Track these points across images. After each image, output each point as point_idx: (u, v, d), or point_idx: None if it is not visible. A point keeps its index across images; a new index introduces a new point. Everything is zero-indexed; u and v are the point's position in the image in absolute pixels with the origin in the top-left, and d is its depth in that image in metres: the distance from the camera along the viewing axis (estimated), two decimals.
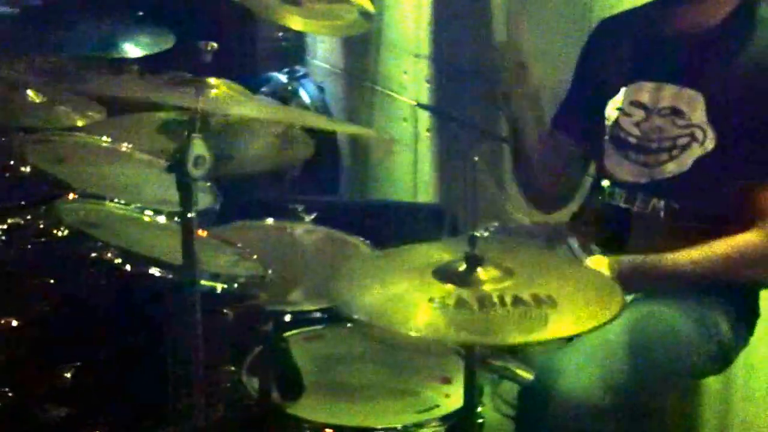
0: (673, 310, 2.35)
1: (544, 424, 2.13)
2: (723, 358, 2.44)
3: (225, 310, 2.21)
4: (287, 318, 2.61)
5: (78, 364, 2.20)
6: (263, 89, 4.38)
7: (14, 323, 2.30)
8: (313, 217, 3.11)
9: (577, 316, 1.83)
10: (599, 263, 2.35)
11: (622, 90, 2.50)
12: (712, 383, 2.86)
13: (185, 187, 1.88)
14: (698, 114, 2.36)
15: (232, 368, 2.32)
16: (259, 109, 1.98)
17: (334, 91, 4.63)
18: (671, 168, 2.40)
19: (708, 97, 2.35)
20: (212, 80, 1.99)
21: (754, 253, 2.30)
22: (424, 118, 4.02)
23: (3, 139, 2.54)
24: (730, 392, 2.88)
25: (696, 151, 2.36)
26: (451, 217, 3.25)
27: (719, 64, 2.37)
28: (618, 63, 2.55)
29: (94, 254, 2.19)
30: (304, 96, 4.46)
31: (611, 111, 2.52)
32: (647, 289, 2.35)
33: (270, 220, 3.04)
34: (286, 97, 4.29)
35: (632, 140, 2.47)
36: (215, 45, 1.91)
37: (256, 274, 2.35)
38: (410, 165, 4.07)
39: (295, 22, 3.22)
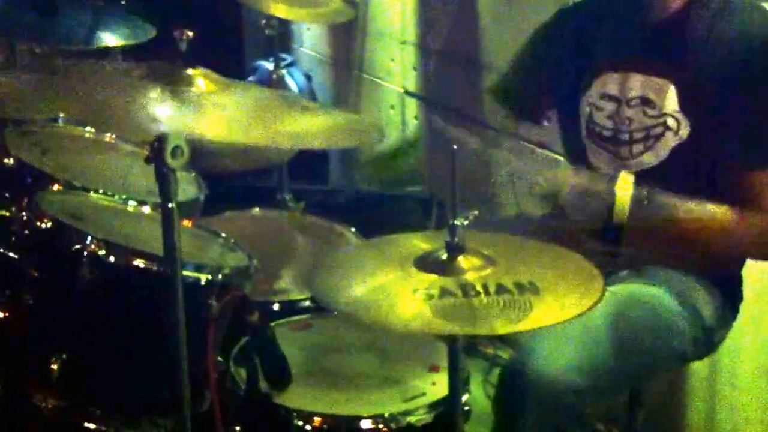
0: (657, 294, 2.35)
1: (523, 406, 2.12)
2: (707, 342, 2.44)
3: (210, 301, 2.19)
4: (275, 307, 2.62)
5: (64, 356, 2.18)
6: (250, 78, 4.37)
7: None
8: (301, 205, 3.12)
9: (561, 302, 1.83)
10: (626, 181, 2.26)
11: (593, 83, 2.48)
12: (698, 368, 2.87)
13: (164, 178, 1.87)
14: (669, 103, 2.34)
15: (220, 358, 2.31)
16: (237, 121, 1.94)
17: (321, 79, 4.62)
18: (649, 158, 2.38)
19: (678, 85, 2.34)
20: (189, 71, 1.97)
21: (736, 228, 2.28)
22: (412, 105, 4.02)
23: None
24: (717, 378, 2.89)
25: (671, 140, 2.35)
26: (439, 206, 3.25)
27: (687, 50, 2.34)
28: (583, 54, 2.52)
29: (77, 246, 2.17)
30: (292, 84, 4.45)
31: (584, 106, 2.50)
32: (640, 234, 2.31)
33: (257, 210, 3.04)
34: (273, 85, 4.27)
35: (607, 133, 2.45)
36: (190, 33, 1.89)
37: (241, 265, 2.36)
38: (398, 153, 4.07)
39: (279, 9, 3.24)
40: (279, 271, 2.76)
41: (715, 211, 2.25)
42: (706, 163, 2.31)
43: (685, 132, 2.33)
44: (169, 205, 1.89)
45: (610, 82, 2.44)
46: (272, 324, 2.42)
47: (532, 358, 2.14)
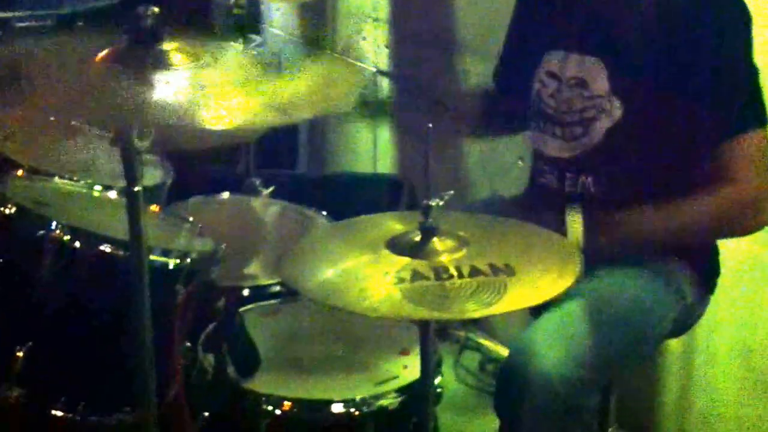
0: (639, 277, 2.31)
1: (523, 404, 2.09)
2: (686, 320, 2.42)
3: (177, 287, 2.15)
4: (245, 293, 2.57)
5: (30, 344, 2.13)
6: None
7: None
8: (270, 190, 3.06)
9: (536, 284, 1.80)
10: (574, 222, 2.27)
11: (542, 60, 2.42)
12: (673, 346, 2.85)
13: (130, 160, 1.82)
14: (600, 84, 2.30)
15: (188, 344, 2.27)
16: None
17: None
18: (585, 141, 2.34)
19: (609, 66, 2.29)
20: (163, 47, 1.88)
21: (729, 211, 2.25)
22: (385, 85, 3.97)
23: None
24: (693, 355, 2.87)
25: (605, 123, 2.31)
26: (410, 188, 3.21)
27: (618, 29, 2.29)
28: (537, 28, 2.47)
29: (41, 232, 2.12)
30: None
31: (534, 82, 2.45)
32: (615, 250, 2.29)
33: (226, 194, 2.98)
34: None
35: (550, 112, 2.40)
36: (156, 9, 1.83)
37: (208, 250, 2.32)
38: (369, 134, 4.03)
39: None
40: (248, 257, 2.71)
41: (684, 207, 2.23)
42: (647, 143, 2.27)
43: (618, 113, 2.28)
44: (135, 189, 1.84)
45: (553, 60, 2.39)
46: (241, 310, 2.41)
47: (528, 354, 2.10)
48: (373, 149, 4.02)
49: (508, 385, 2.15)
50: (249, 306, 2.49)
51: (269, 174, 3.23)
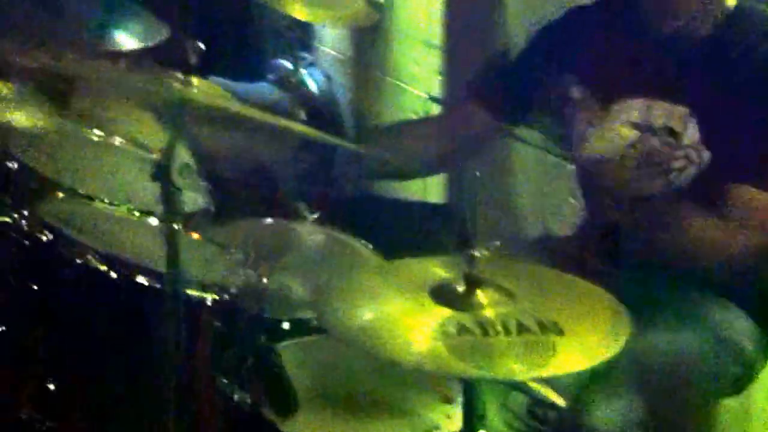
0: (694, 334, 2.23)
1: None
2: (747, 378, 2.34)
3: (214, 322, 2.10)
4: (285, 326, 2.51)
5: (60, 375, 2.10)
6: (269, 76, 4.26)
7: None
8: (315, 216, 2.99)
9: (585, 345, 1.72)
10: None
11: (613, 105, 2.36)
12: (730, 406, 2.74)
13: (170, 197, 1.77)
14: (691, 133, 2.23)
15: (224, 380, 2.21)
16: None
17: (341, 80, 4.51)
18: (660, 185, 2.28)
19: (699, 115, 2.23)
20: (195, 80, 1.86)
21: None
22: (436, 112, 3.91)
23: None
24: (750, 416, 2.75)
25: (691, 171, 2.23)
26: (461, 218, 3.12)
27: (712, 76, 2.23)
28: (602, 74, 2.40)
29: (79, 260, 2.08)
30: (311, 84, 4.34)
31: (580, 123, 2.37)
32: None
33: (269, 220, 2.92)
34: (291, 85, 4.17)
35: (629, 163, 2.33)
36: (202, 46, 1.79)
37: (250, 283, 2.26)
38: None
39: (299, 11, 3.13)
40: (290, 287, 2.64)
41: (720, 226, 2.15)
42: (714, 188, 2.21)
43: (704, 162, 2.22)
44: (174, 226, 1.79)
45: (634, 109, 2.31)
46: (281, 344, 2.34)
47: (582, 410, 2.07)
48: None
49: None
50: (289, 340, 2.42)
51: (315, 195, 3.16)
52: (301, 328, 2.48)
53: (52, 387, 2.11)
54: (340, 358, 2.37)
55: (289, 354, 2.30)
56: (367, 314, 1.86)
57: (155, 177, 1.79)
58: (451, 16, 3.86)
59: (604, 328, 1.77)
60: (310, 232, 2.91)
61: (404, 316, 1.81)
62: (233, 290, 2.18)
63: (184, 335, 1.88)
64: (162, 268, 1.93)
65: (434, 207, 3.67)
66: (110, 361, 2.12)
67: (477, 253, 1.80)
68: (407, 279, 1.91)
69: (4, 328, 2.19)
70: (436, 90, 3.89)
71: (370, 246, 2.80)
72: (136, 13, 2.96)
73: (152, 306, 2.05)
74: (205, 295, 2.13)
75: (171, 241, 1.80)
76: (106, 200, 2.39)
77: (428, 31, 3.93)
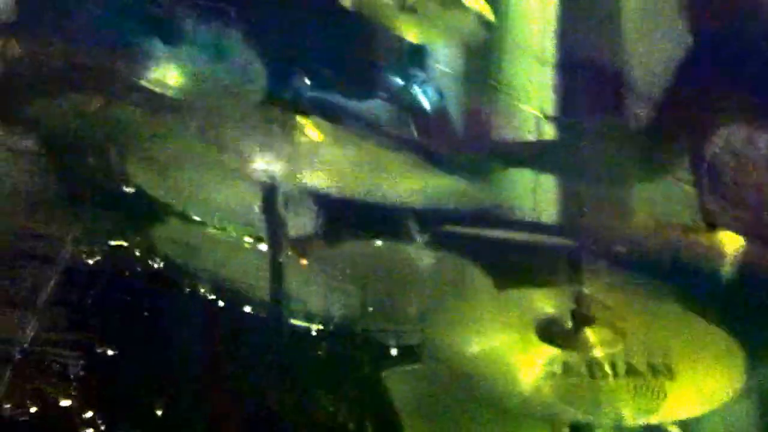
0: None
1: None
2: None
3: (319, 351, 2.10)
4: (393, 352, 2.49)
5: (166, 400, 2.11)
6: (381, 94, 4.25)
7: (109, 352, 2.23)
8: (427, 237, 2.96)
9: (698, 388, 1.67)
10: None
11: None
12: None
13: (275, 228, 1.77)
14: None
15: (331, 409, 2.21)
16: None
17: (454, 97, 4.48)
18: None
19: None
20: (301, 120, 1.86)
21: None
22: (547, 130, 3.85)
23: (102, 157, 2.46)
24: None
25: None
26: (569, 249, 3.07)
27: None
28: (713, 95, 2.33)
29: (187, 289, 2.10)
30: (424, 102, 4.32)
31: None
32: None
33: (379, 242, 2.89)
34: (404, 103, 4.16)
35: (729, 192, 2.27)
36: (308, 82, 1.79)
37: (355, 310, 2.25)
38: (532, 182, 3.90)
39: (411, 32, 3.13)
40: (399, 312, 2.63)
41: None
42: None
43: None
44: (279, 260, 1.79)
45: (737, 135, 2.25)
46: (384, 373, 2.32)
47: None
48: (534, 196, 3.90)
49: None
50: (396, 368, 2.40)
51: (427, 215, 3.14)
52: (408, 355, 2.47)
53: (159, 412, 2.11)
54: (445, 385, 2.35)
55: (395, 381, 2.29)
56: (474, 347, 1.84)
57: (262, 209, 1.79)
58: (564, 33, 3.79)
59: (718, 369, 1.72)
60: (421, 255, 2.89)
61: (510, 352, 1.78)
62: (337, 320, 2.16)
63: (287, 364, 1.87)
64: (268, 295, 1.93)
65: (546, 228, 3.62)
66: (214, 387, 2.13)
67: (586, 290, 1.76)
68: (516, 312, 1.88)
69: (116, 351, 2.21)
70: (549, 107, 3.82)
71: (481, 269, 2.77)
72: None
73: (256, 335, 2.07)
74: (309, 325, 2.12)
75: (276, 269, 1.80)
76: (217, 224, 2.42)
77: (541, 47, 3.87)
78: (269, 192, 1.77)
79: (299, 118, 1.83)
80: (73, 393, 2.08)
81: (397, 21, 3.10)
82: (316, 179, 1.79)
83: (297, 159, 1.79)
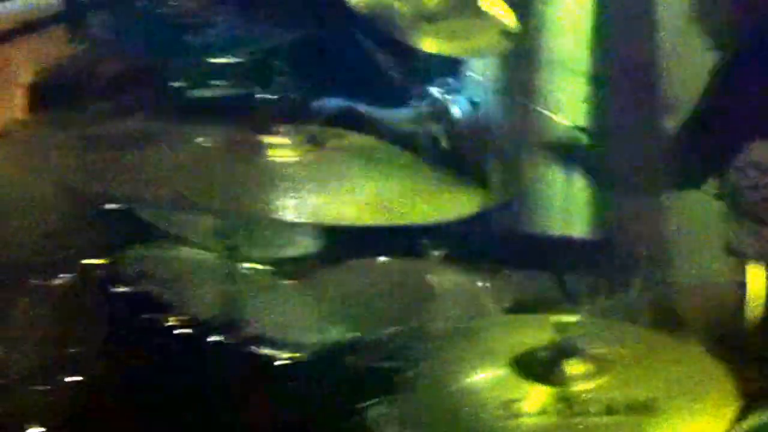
0: None
1: None
2: None
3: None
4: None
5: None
6: (413, 103, 4.17)
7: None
8: (441, 254, 2.82)
9: (681, 428, 1.52)
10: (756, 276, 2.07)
11: None
12: None
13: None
14: None
15: None
16: None
17: (487, 107, 4.39)
18: None
19: None
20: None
21: None
22: (582, 141, 3.75)
23: None
24: None
25: None
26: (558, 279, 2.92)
27: None
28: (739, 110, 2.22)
29: (168, 322, 2.01)
30: (456, 112, 4.23)
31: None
32: None
33: (382, 259, 2.73)
34: (436, 112, 4.07)
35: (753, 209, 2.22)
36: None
37: (353, 340, 2.14)
38: (562, 193, 3.80)
39: (429, 44, 3.03)
40: (407, 336, 2.49)
41: None
42: None
43: None
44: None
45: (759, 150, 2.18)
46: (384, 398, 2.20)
47: None
48: (566, 207, 3.80)
49: None
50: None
51: (443, 230, 2.99)
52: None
53: None
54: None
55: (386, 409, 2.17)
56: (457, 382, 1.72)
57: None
58: (599, 43, 3.70)
59: (710, 405, 1.57)
60: (433, 272, 2.75)
61: (484, 392, 1.66)
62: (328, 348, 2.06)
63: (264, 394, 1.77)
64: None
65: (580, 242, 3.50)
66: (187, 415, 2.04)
67: (566, 319, 1.62)
68: (488, 345, 1.77)
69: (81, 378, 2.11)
70: (581, 118, 3.72)
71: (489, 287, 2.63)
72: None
73: (228, 365, 1.97)
74: (295, 355, 2.01)
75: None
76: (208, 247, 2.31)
77: (575, 57, 3.78)
78: None
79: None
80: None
81: (413, 31, 2.99)
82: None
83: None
